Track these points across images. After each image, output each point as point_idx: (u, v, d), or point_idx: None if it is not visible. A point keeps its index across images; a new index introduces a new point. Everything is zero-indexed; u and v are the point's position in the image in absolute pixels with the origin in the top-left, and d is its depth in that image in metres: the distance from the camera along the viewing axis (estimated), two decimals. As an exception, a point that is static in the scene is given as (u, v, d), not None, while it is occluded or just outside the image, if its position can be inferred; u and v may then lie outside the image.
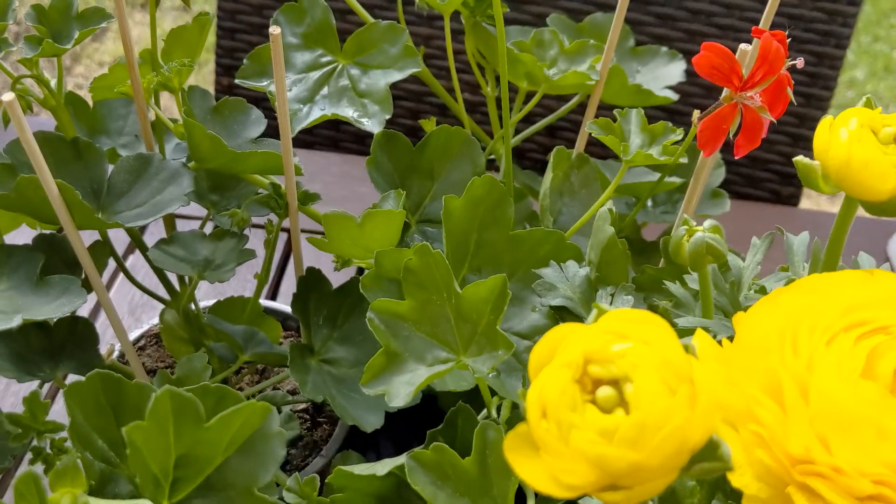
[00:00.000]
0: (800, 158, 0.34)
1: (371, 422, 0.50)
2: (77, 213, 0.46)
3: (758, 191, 1.13)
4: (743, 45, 0.44)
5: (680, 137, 0.49)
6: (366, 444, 0.67)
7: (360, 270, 0.63)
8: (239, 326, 0.58)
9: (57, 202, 0.45)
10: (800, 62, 0.42)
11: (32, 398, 0.42)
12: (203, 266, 0.53)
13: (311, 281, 0.55)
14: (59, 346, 0.52)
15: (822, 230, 1.10)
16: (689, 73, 0.78)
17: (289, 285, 0.83)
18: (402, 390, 0.41)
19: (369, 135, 0.57)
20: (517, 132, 0.69)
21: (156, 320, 0.69)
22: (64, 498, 0.30)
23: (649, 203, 0.72)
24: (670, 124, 0.50)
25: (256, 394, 0.65)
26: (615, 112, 0.51)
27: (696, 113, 0.45)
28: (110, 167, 0.52)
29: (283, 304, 0.70)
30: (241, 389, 0.64)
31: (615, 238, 0.46)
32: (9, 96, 0.41)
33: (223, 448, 0.33)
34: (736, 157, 0.42)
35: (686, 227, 0.39)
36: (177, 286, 0.59)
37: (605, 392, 0.25)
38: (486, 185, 0.48)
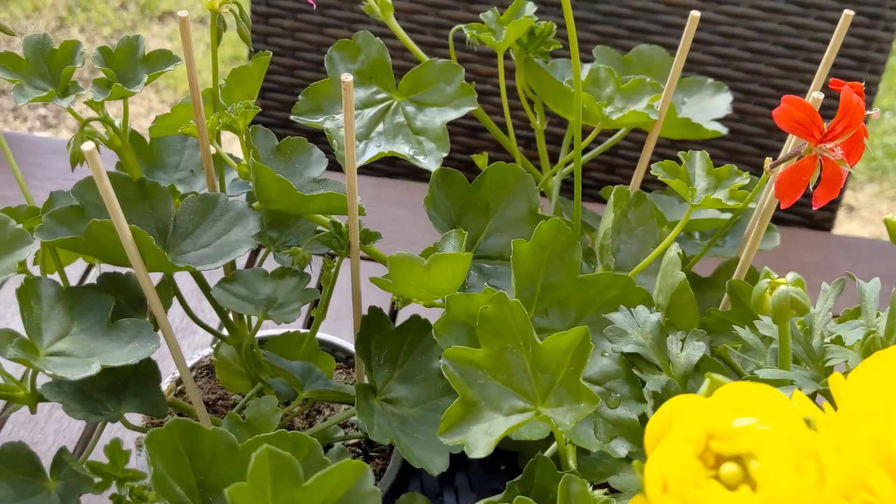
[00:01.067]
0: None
1: (438, 464, 0.50)
2: (149, 256, 0.46)
3: (791, 215, 1.13)
4: (816, 94, 0.44)
5: (747, 181, 0.49)
6: (417, 477, 0.67)
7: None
8: (296, 362, 0.58)
9: (130, 247, 0.45)
10: (875, 113, 0.42)
11: (114, 447, 0.42)
12: (266, 305, 0.53)
13: (373, 320, 0.55)
14: (122, 384, 0.52)
15: (855, 255, 1.10)
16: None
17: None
18: (481, 440, 0.41)
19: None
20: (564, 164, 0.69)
21: (204, 351, 0.69)
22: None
23: (696, 235, 0.72)
24: (735, 167, 0.50)
25: (306, 427, 0.65)
26: (680, 155, 0.51)
27: (768, 160, 0.45)
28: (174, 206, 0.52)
29: (330, 335, 0.70)
30: (292, 424, 0.64)
31: (686, 284, 0.46)
32: (89, 146, 0.41)
33: (318, 506, 0.34)
34: (814, 208, 0.42)
35: (769, 279, 0.39)
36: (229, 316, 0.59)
37: (729, 469, 0.25)
38: (553, 228, 0.48)
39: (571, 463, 0.42)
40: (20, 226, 0.41)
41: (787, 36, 1.09)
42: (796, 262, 1.00)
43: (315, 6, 1.02)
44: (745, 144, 1.11)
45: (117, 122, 0.52)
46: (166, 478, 0.41)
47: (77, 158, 0.49)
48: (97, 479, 0.41)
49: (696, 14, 0.52)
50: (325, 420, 0.65)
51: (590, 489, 0.38)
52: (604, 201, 1.05)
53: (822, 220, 1.16)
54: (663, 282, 0.48)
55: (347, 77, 0.45)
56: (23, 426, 0.83)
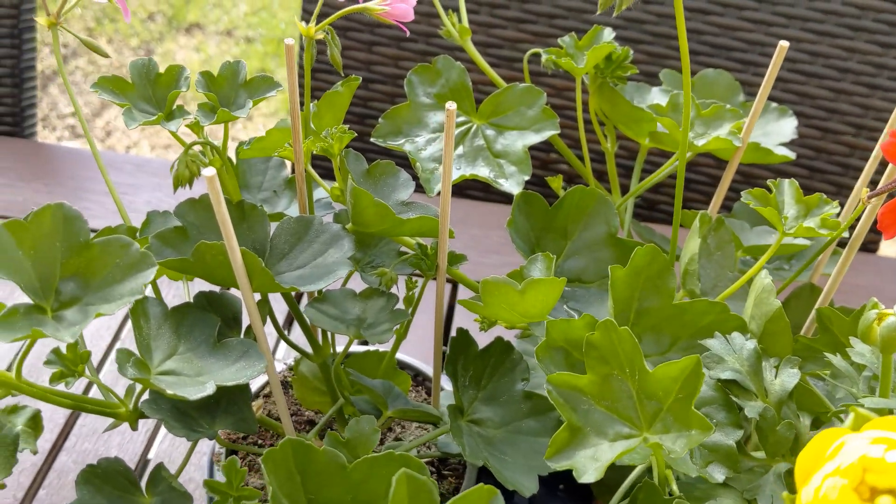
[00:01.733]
0: None
1: (528, 486, 0.50)
2: (255, 278, 0.47)
3: (839, 236, 1.13)
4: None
5: (836, 210, 0.50)
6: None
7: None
8: (377, 381, 0.59)
9: (239, 268, 0.46)
10: (977, 147, 0.42)
11: (230, 466, 0.43)
12: (356, 325, 0.54)
13: (461, 342, 0.56)
14: (215, 402, 0.53)
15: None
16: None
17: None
18: (589, 466, 0.41)
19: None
20: (627, 187, 0.70)
21: (278, 367, 0.70)
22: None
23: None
24: (824, 196, 0.51)
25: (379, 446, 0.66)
26: (769, 183, 0.52)
27: (866, 190, 0.46)
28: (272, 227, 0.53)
29: (400, 353, 0.71)
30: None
31: (781, 311, 0.47)
32: (210, 171, 0.42)
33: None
34: (885, 240, 0.43)
35: (876, 309, 0.40)
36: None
37: (885, 502, 0.26)
38: (648, 255, 0.49)
39: (675, 488, 0.43)
40: (143, 249, 0.42)
41: (866, 72, 1.09)
42: (848, 285, 1.00)
43: (408, 33, 1.03)
44: (796, 167, 1.11)
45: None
46: (280, 497, 0.42)
47: (181, 180, 0.50)
48: (201, 494, 0.41)
49: (784, 44, 0.52)
50: (395, 438, 0.66)
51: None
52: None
53: (868, 242, 1.16)
54: (757, 309, 0.48)
55: (452, 105, 0.46)
56: (86, 438, 0.84)
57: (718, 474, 0.45)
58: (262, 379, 0.68)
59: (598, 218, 0.60)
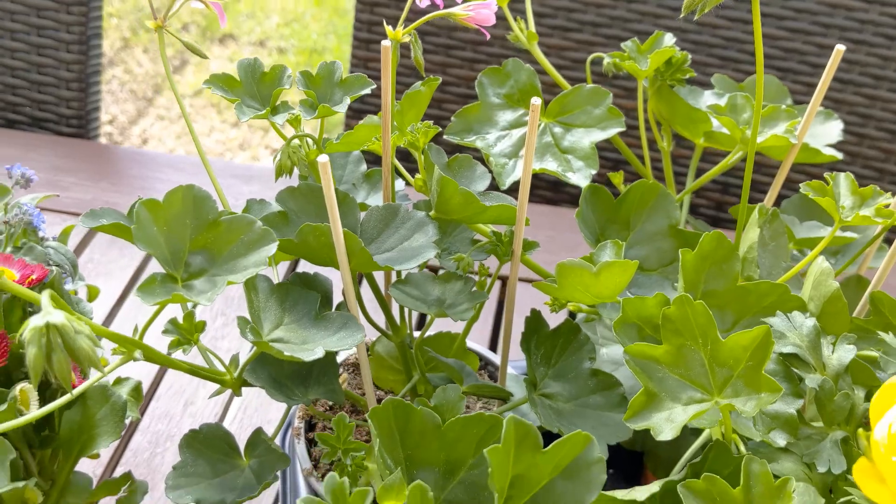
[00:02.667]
0: None
1: (599, 453, 0.54)
2: (353, 257, 0.52)
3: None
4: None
5: (890, 201, 0.54)
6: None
7: (572, 314, 0.68)
8: (451, 359, 0.63)
9: (340, 248, 0.51)
10: None
11: (339, 421, 0.47)
12: (437, 305, 0.59)
13: (533, 322, 0.60)
14: (306, 374, 0.58)
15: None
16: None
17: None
18: (664, 426, 0.45)
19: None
20: (683, 185, 0.74)
21: (350, 351, 0.74)
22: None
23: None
24: (877, 188, 0.55)
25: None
26: (826, 175, 0.55)
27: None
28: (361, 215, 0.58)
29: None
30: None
31: (839, 293, 0.51)
32: (324, 158, 0.47)
33: (549, 471, 0.39)
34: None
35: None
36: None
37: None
38: (715, 240, 0.53)
39: (742, 449, 0.47)
40: (265, 226, 0.47)
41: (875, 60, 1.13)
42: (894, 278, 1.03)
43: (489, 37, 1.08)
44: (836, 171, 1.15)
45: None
46: (382, 451, 0.46)
47: (283, 170, 0.55)
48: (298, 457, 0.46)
49: (840, 48, 0.57)
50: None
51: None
52: (723, 220, 1.09)
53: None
54: (815, 291, 0.52)
55: (536, 101, 0.51)
56: (159, 420, 0.89)
57: (780, 439, 0.49)
58: (341, 357, 0.72)
59: (659, 210, 0.64)
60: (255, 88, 0.56)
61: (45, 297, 0.37)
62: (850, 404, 0.50)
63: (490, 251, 0.60)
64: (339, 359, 0.73)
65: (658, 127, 0.74)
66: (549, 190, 1.19)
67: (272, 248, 0.46)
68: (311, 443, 0.64)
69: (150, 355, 0.50)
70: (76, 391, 0.46)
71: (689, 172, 0.73)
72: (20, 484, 0.50)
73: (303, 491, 0.69)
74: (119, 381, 0.60)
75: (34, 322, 0.36)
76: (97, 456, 0.58)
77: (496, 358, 0.70)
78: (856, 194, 0.55)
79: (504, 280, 1.06)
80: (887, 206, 0.53)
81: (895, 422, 0.30)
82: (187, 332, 0.50)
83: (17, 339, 0.58)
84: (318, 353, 0.48)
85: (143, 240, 0.45)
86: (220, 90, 0.54)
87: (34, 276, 0.57)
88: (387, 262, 0.55)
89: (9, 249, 0.61)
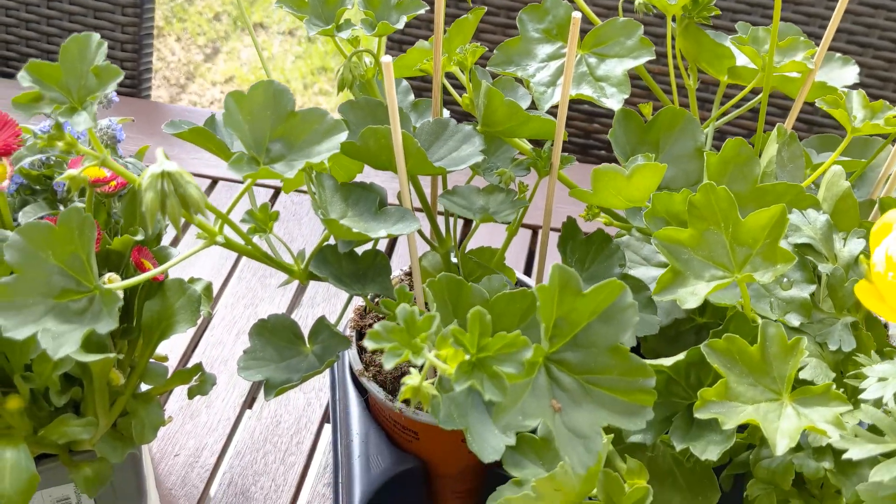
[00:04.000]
0: None
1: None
2: (410, 157, 0.58)
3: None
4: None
5: (897, 112, 0.59)
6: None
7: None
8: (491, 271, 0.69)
9: (398, 148, 0.57)
10: None
11: (402, 290, 0.53)
12: (481, 211, 0.64)
13: (569, 229, 0.65)
14: (363, 273, 0.64)
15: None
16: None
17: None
18: (689, 298, 0.51)
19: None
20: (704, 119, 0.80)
21: (395, 273, 0.80)
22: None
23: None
24: (887, 102, 0.60)
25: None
26: (839, 90, 0.61)
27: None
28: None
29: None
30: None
31: (850, 191, 0.56)
32: (387, 59, 0.53)
33: (588, 315, 0.44)
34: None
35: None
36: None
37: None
38: (737, 146, 0.58)
39: (760, 321, 0.52)
40: (337, 117, 0.53)
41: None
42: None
43: None
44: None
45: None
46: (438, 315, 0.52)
47: (345, 83, 0.61)
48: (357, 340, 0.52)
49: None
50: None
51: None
52: None
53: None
54: (828, 191, 0.57)
55: (577, 14, 0.56)
56: (214, 348, 0.96)
57: (795, 320, 0.54)
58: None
59: (686, 134, 0.69)
60: (320, 9, 0.62)
61: (159, 151, 0.43)
62: (859, 291, 0.55)
63: (530, 164, 0.66)
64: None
65: (685, 67, 0.79)
66: (584, 121, 1.25)
67: (343, 136, 0.52)
68: (360, 350, 0.71)
69: (230, 243, 0.56)
70: (157, 271, 0.53)
71: (713, 108, 0.78)
72: (111, 355, 0.56)
73: (351, 393, 0.76)
74: (192, 280, 0.66)
75: (151, 170, 0.42)
76: (182, 332, 0.64)
77: (531, 282, 0.76)
78: (867, 108, 0.60)
79: (535, 229, 1.12)
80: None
81: (891, 246, 0.36)
82: (262, 221, 0.57)
83: (109, 231, 0.65)
84: (382, 233, 0.54)
85: (231, 125, 0.51)
86: (290, 8, 0.60)
87: (116, 182, 0.64)
88: (440, 165, 0.61)
89: (94, 161, 0.67)
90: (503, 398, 0.40)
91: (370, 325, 0.74)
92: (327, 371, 0.90)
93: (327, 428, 0.88)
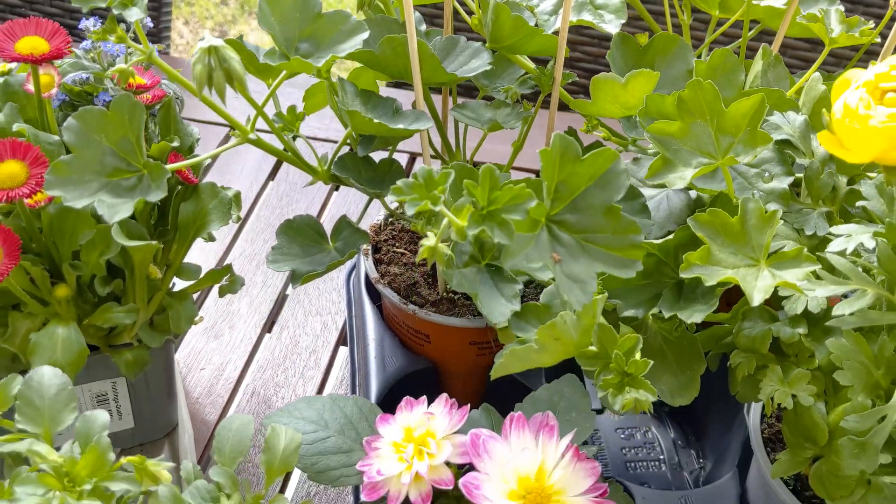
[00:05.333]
0: None
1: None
2: (425, 63, 0.63)
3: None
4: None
5: (872, 25, 0.64)
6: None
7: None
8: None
9: (414, 55, 0.62)
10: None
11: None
12: (489, 122, 0.70)
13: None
14: (380, 179, 0.69)
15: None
16: None
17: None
18: (677, 181, 0.57)
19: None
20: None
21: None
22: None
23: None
24: (862, 18, 0.65)
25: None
26: (819, 8, 0.66)
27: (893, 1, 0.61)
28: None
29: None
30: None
31: (826, 94, 0.61)
32: (405, -32, 0.58)
33: (586, 180, 0.50)
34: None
35: None
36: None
37: (893, 95, 0.40)
38: (723, 55, 0.64)
39: (735, 199, 0.57)
40: (359, 19, 0.58)
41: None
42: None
43: None
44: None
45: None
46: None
47: (362, 3, 0.66)
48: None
49: None
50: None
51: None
52: None
53: None
54: (806, 95, 0.63)
55: (577, -67, 0.62)
56: (250, 244, 1.01)
57: (774, 207, 0.60)
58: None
59: (679, 58, 0.75)
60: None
61: (206, 32, 0.49)
62: (834, 183, 0.61)
63: (535, 80, 0.71)
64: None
65: (679, 4, 0.85)
66: (592, 45, 1.30)
67: (365, 35, 0.57)
68: (376, 263, 0.76)
69: (261, 142, 0.62)
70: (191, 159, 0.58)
71: (705, 38, 0.83)
72: (152, 242, 0.62)
73: (367, 306, 0.81)
74: (223, 188, 0.72)
75: (201, 45, 0.48)
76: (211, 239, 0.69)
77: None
78: (843, 23, 0.65)
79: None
80: (871, 28, 0.64)
81: (848, 97, 0.41)
82: (290, 121, 0.62)
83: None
84: (400, 126, 0.59)
85: (266, 24, 0.56)
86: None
87: (152, 94, 0.69)
88: (451, 72, 0.66)
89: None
90: (510, 242, 0.45)
91: (385, 241, 0.80)
92: (344, 293, 0.96)
93: (343, 350, 0.94)
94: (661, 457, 0.82)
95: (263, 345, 0.94)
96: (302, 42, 0.58)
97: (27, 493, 0.44)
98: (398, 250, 0.78)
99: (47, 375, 0.49)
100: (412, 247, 0.79)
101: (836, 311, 0.46)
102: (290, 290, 1.00)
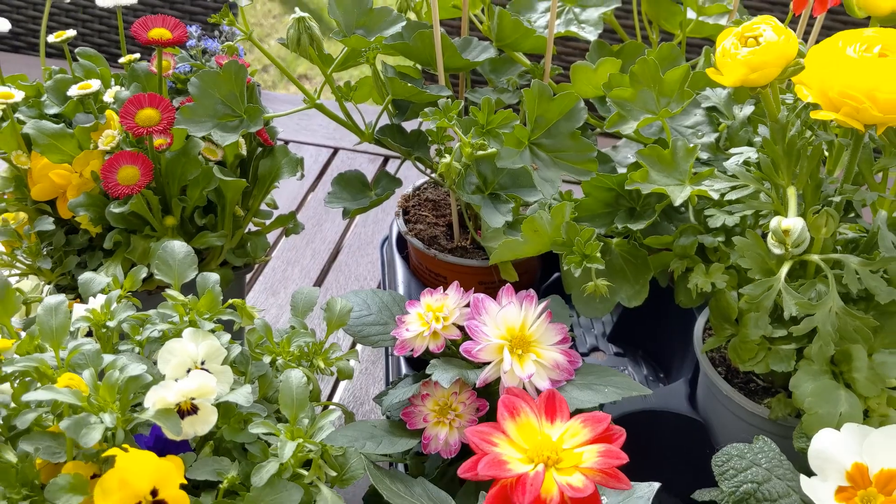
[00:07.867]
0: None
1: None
2: (446, 53, 0.85)
3: None
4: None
5: None
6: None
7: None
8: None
9: (438, 46, 0.85)
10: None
11: (486, 101, 0.81)
12: (496, 102, 0.92)
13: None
14: (410, 143, 0.91)
15: None
16: None
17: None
18: (627, 129, 0.78)
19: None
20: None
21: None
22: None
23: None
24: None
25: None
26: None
27: None
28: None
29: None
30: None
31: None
32: (432, -22, 0.81)
33: (557, 115, 0.71)
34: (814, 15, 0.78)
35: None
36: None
37: (752, 40, 0.61)
38: (669, 48, 0.85)
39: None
40: (399, 13, 0.81)
41: None
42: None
43: None
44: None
45: None
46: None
47: (402, 9, 0.89)
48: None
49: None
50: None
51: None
52: None
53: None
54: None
55: (559, -42, 0.85)
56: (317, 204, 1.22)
57: (704, 156, 0.80)
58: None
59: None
60: (386, -39, 0.91)
61: (297, 9, 0.72)
62: (749, 138, 0.81)
63: (530, 73, 0.93)
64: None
65: (650, 25, 1.07)
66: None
67: (402, 23, 0.80)
68: (405, 222, 0.97)
69: (323, 108, 0.84)
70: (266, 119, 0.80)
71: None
72: (242, 180, 0.84)
73: (398, 260, 1.02)
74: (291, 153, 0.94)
75: (293, 16, 0.70)
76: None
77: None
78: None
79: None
80: None
81: (725, 43, 0.61)
82: (346, 93, 0.84)
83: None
84: (429, 91, 0.81)
85: (333, 14, 0.79)
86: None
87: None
88: (466, 58, 0.88)
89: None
90: (501, 149, 0.66)
91: (412, 206, 1.02)
92: (378, 263, 1.17)
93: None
94: (635, 383, 1.01)
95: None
96: (358, 29, 0.80)
97: (167, 318, 0.65)
98: (423, 213, 0.99)
99: (177, 245, 0.70)
100: (434, 211, 1.00)
101: (728, 197, 0.67)
102: (335, 262, 1.21)
